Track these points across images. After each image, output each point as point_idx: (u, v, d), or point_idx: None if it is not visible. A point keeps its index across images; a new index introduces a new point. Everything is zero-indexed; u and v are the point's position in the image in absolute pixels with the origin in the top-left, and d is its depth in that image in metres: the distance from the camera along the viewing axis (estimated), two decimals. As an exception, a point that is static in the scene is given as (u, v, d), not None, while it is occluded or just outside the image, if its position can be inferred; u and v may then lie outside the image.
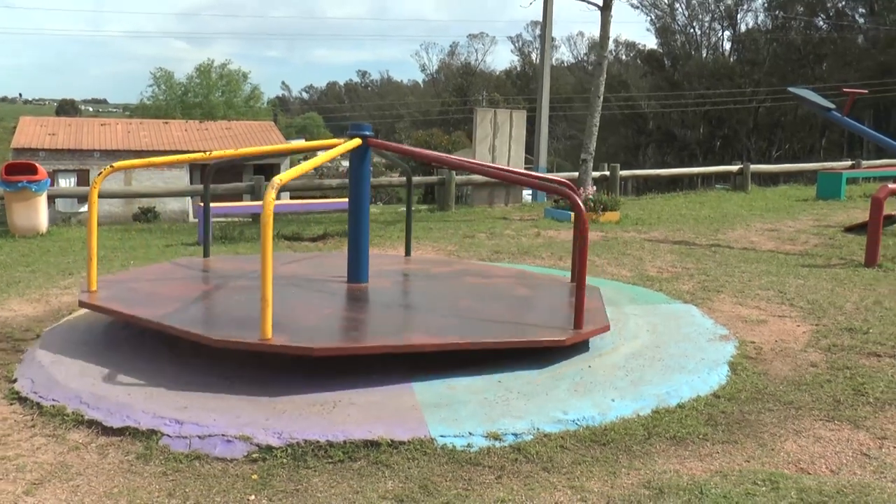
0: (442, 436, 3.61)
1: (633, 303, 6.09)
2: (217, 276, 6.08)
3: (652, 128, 59.73)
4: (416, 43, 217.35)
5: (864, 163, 21.56)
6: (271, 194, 4.16)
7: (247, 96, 52.02)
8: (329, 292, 5.59)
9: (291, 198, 25.30)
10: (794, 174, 23.68)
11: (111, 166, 4.73)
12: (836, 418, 3.93)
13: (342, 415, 3.77)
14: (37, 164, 11.43)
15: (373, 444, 3.53)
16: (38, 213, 11.14)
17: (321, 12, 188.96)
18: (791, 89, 11.32)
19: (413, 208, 8.27)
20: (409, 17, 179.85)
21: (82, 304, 5.07)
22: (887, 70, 46.59)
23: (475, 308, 5.19)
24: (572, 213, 12.48)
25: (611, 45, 14.73)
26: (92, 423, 3.79)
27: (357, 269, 5.77)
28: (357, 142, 5.53)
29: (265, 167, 31.52)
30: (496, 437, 3.63)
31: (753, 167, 19.48)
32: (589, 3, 14.17)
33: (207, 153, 5.82)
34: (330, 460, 3.44)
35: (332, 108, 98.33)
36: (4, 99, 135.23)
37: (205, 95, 49.86)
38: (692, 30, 62.02)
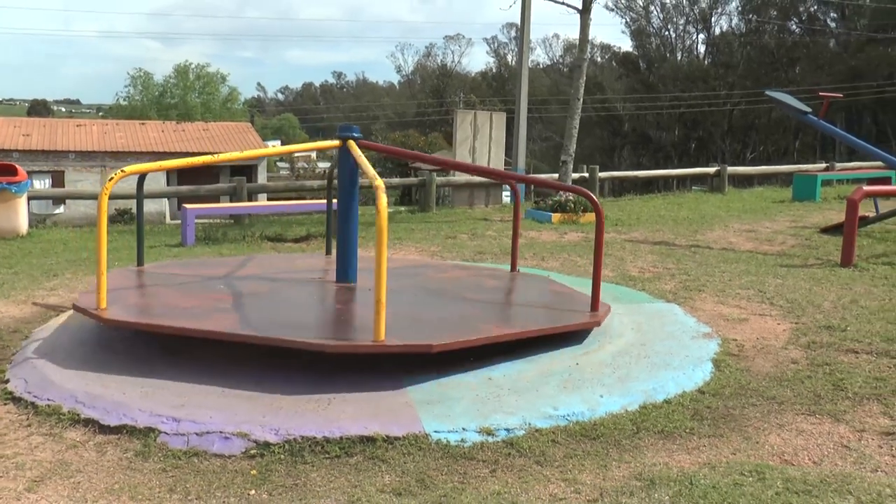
0: (436, 431, 3.69)
1: (618, 302, 6.19)
2: (235, 279, 6.11)
3: (627, 130, 60.12)
4: (391, 44, 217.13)
5: (838, 165, 21.89)
6: (383, 199, 4.26)
7: (224, 98, 51.69)
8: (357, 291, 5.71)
9: (269, 199, 25.28)
10: (769, 176, 23.98)
11: (122, 171, 4.63)
12: (817, 412, 4.05)
13: (337, 411, 3.84)
14: (17, 166, 11.36)
15: (368, 440, 3.60)
16: (19, 215, 11.07)
17: (295, 13, 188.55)
18: (768, 93, 11.51)
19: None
20: (385, 19, 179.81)
21: (128, 325, 4.69)
22: (858, 74, 47.24)
23: (503, 303, 5.62)
24: (553, 214, 12.63)
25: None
26: (88, 422, 3.83)
27: (345, 268, 5.84)
28: (337, 143, 5.66)
29: (243, 168, 31.40)
30: (489, 433, 3.71)
31: (730, 169, 19.71)
32: (568, 6, 14.31)
33: (216, 155, 5.83)
34: (327, 456, 3.50)
35: (308, 110, 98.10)
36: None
37: (182, 97, 49.51)
38: (667, 32, 62.50)
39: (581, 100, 14.29)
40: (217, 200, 19.64)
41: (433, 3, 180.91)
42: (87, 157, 33.95)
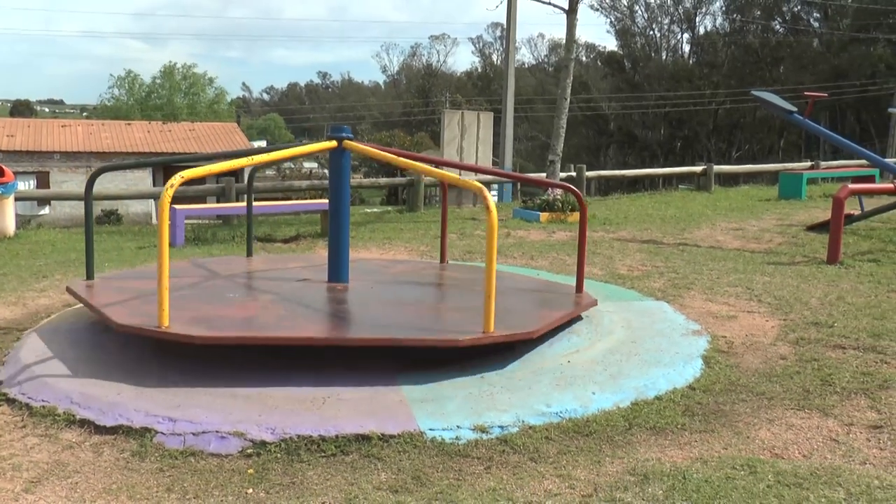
0: (431, 429, 3.72)
1: (607, 300, 6.24)
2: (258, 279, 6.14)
3: (613, 129, 60.36)
4: (376, 44, 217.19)
5: (823, 163, 22.07)
6: (490, 201, 4.45)
7: (210, 100, 51.61)
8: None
9: (256, 199, 25.23)
10: (755, 174, 24.15)
11: (181, 175, 4.37)
12: (806, 407, 4.10)
13: (332, 410, 3.86)
14: (3, 167, 11.31)
15: (364, 438, 3.62)
16: (6, 216, 11.03)
17: (279, 13, 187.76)
18: (754, 92, 11.60)
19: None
20: (370, 19, 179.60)
21: (221, 340, 4.34)
22: (841, 73, 47.65)
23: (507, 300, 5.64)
24: (541, 214, 12.69)
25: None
26: (84, 423, 3.83)
27: (337, 269, 5.86)
28: (333, 143, 5.67)
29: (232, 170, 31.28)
30: (483, 430, 3.74)
31: (716, 168, 19.84)
32: (554, 6, 14.37)
33: (250, 159, 5.81)
34: (323, 454, 3.53)
35: (294, 110, 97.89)
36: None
37: (168, 98, 49.40)
38: (652, 32, 62.78)
39: (568, 99, 14.36)
40: (204, 201, 19.60)
41: (418, 3, 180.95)
42: (72, 158, 33.77)
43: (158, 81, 50.36)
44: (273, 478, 3.33)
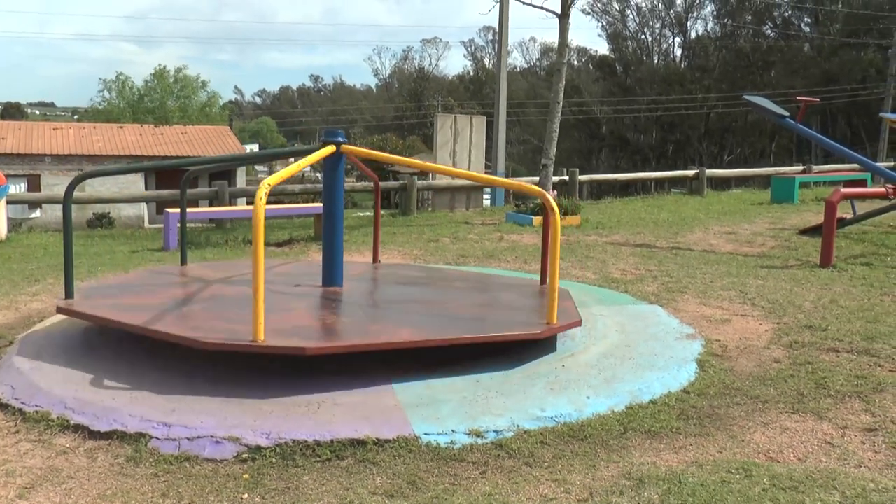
0: (426, 434, 3.72)
1: (601, 304, 6.25)
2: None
3: (605, 132, 60.42)
4: (368, 47, 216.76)
5: (815, 167, 22.14)
6: (553, 202, 4.91)
7: (203, 103, 51.53)
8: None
9: (248, 203, 25.16)
10: (747, 178, 24.22)
11: (267, 184, 4.37)
12: (801, 410, 4.11)
13: (327, 415, 3.85)
14: (-5, 170, 11.27)
15: (359, 443, 3.61)
16: (-3, 220, 10.99)
17: (272, 16, 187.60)
18: (746, 97, 11.62)
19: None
20: (362, 22, 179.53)
21: (327, 350, 4.28)
22: (832, 78, 47.83)
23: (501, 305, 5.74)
24: (534, 217, 12.69)
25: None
26: (78, 428, 3.82)
27: (332, 273, 5.85)
28: (332, 149, 5.65)
29: (223, 172, 31.23)
30: (478, 434, 3.74)
31: (708, 171, 19.89)
32: (547, 11, 14.42)
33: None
34: (318, 459, 3.52)
35: (286, 113, 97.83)
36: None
37: (160, 101, 49.31)
38: (643, 36, 62.90)
39: (561, 103, 14.39)
40: (196, 205, 19.53)
41: (410, 7, 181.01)
42: (63, 161, 33.61)
43: (150, 84, 50.24)
44: (268, 483, 3.32)
